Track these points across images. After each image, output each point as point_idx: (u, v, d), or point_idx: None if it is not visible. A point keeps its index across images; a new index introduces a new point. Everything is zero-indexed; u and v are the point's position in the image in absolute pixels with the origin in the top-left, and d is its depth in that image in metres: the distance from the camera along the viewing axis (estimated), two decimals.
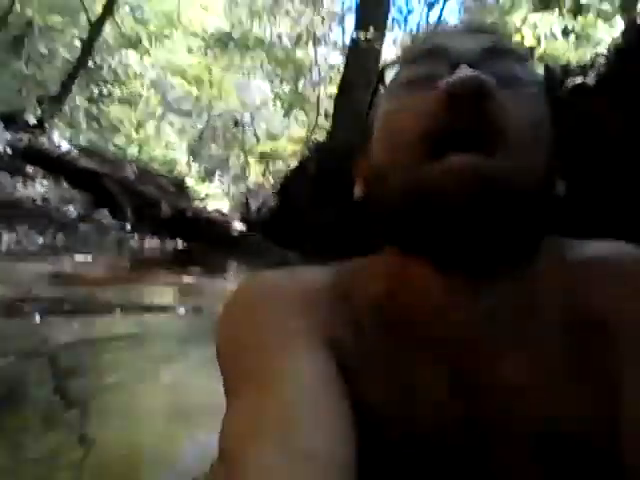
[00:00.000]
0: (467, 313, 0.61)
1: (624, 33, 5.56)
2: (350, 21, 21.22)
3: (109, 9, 12.91)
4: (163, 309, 4.52)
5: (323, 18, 16.73)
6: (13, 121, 11.65)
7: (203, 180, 14.16)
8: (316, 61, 15.54)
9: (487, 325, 0.61)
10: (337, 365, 0.58)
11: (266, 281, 0.67)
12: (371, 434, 0.58)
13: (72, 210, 9.57)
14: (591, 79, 4.86)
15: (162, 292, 5.59)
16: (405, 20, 16.90)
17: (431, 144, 0.57)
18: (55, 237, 8.53)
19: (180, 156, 14.73)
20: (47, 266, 6.38)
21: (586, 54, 6.04)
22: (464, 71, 0.56)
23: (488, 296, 0.61)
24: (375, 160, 0.63)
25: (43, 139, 11.70)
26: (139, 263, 7.73)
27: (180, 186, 11.76)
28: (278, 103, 15.34)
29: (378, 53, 11.36)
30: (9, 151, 10.63)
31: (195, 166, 14.20)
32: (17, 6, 13.07)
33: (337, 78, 14.64)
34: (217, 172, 16.43)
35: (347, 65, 11.86)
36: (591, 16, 6.82)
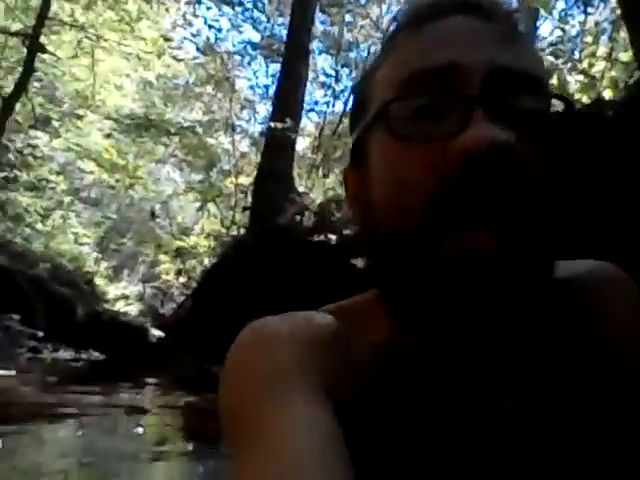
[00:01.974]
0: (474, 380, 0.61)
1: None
2: (261, 109, 21.90)
3: (22, 87, 12.58)
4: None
5: (242, 106, 17.12)
6: None
7: (111, 279, 13.77)
8: (231, 149, 15.72)
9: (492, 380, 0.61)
10: (336, 415, 0.55)
11: (265, 330, 0.63)
12: None
13: None
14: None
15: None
16: (313, 110, 17.73)
17: (442, 211, 0.54)
18: None
19: (88, 251, 14.30)
20: None
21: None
22: (482, 131, 0.53)
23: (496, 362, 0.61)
24: (378, 207, 0.60)
25: None
26: (54, 379, 7.44)
27: (90, 285, 11.49)
28: (190, 195, 15.29)
29: (294, 142, 11.87)
30: None
31: (104, 263, 13.82)
32: None
33: (247, 168, 14.83)
34: (125, 270, 16.00)
35: (264, 155, 12.21)
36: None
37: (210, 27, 15.95)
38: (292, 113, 11.52)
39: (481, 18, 0.59)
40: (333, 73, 16.88)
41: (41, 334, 9.20)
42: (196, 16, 16.18)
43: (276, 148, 11.50)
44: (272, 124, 11.08)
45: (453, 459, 0.59)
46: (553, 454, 0.59)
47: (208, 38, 16.25)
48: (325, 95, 17.74)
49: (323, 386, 0.57)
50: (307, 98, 16.92)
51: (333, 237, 8.59)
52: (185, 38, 16.55)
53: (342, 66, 16.34)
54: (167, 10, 15.16)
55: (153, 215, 14.95)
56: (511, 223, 0.53)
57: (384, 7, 15.25)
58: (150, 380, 8.05)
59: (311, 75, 16.84)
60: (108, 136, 14.74)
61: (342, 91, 16.89)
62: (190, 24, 16.51)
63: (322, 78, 17.81)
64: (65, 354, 9.19)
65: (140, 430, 4.46)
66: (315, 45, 15.69)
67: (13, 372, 6.87)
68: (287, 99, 11.81)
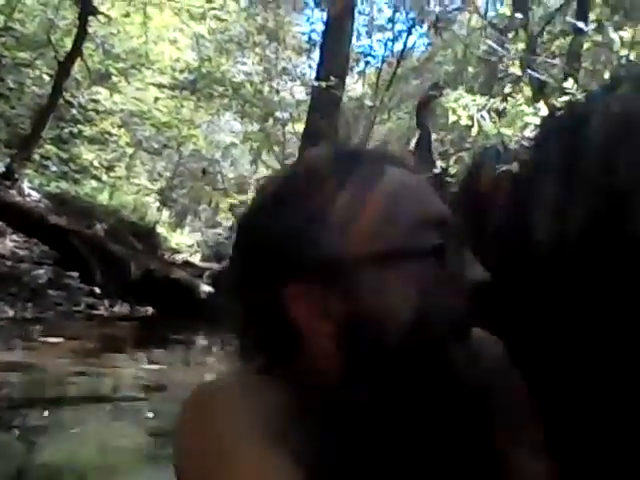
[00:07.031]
0: None
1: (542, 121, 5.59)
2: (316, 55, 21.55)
3: (78, 49, 12.91)
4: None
5: (298, 53, 16.96)
6: None
7: (174, 228, 14.20)
8: (287, 98, 15.69)
9: None
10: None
11: (218, 399, 0.68)
12: None
13: (42, 274, 9.74)
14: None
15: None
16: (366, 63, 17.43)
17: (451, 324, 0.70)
18: (26, 307, 8.68)
19: (151, 201, 14.76)
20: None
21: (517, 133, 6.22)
22: (476, 271, 0.73)
23: None
24: (394, 319, 0.68)
25: (12, 190, 11.76)
26: (106, 341, 7.87)
27: (151, 234, 11.95)
28: (247, 145, 15.40)
29: (339, 99, 12.11)
30: None
31: (166, 213, 14.23)
32: None
33: (303, 116, 14.85)
34: (188, 217, 16.43)
35: (309, 114, 12.49)
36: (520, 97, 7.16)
37: None
38: (338, 69, 11.52)
39: None
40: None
41: (98, 291, 9.74)
42: None
43: (321, 108, 11.58)
44: (316, 83, 11.12)
45: None
46: None
47: None
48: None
49: (277, 440, 0.63)
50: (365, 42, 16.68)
51: None
52: None
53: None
54: None
55: (204, 173, 15.12)
56: None
57: None
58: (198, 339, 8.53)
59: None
60: (162, 92, 14.94)
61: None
62: None
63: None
64: (122, 309, 9.67)
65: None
66: None
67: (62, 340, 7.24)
68: (333, 54, 11.78)
